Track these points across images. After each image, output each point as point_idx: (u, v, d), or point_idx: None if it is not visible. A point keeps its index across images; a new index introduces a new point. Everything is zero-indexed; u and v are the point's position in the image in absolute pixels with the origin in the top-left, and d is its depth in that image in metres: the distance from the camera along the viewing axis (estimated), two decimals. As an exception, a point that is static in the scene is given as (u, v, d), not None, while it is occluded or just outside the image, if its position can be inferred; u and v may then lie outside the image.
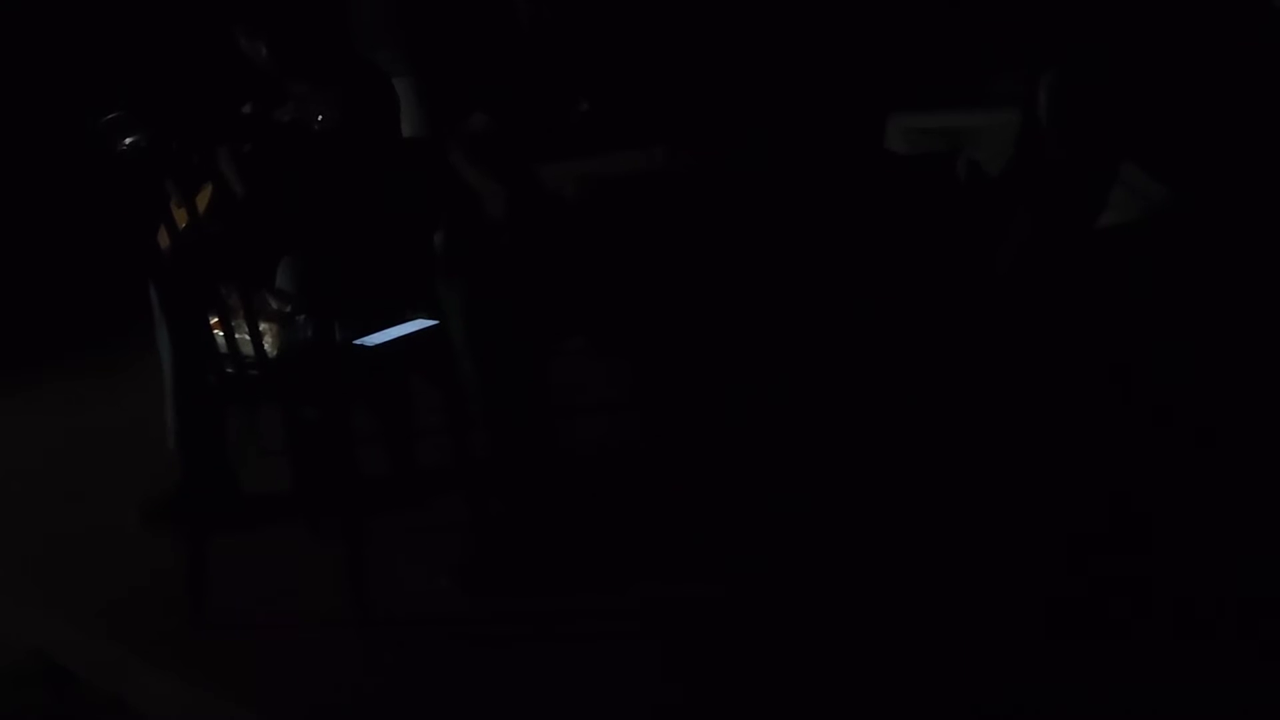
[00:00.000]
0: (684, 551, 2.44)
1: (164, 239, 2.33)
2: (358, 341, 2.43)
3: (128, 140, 2.18)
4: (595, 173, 2.58)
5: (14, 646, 2.57)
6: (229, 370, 2.32)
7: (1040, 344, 2.52)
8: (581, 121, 2.71)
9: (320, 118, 2.62)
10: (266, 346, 2.32)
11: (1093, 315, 2.40)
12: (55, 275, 4.39)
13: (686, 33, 2.98)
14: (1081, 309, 2.41)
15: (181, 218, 2.31)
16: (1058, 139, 2.42)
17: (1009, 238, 2.50)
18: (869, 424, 2.84)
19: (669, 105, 2.71)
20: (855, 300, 3.08)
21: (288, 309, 2.45)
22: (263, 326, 2.33)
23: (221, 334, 2.31)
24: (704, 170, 2.57)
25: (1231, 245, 2.28)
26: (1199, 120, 2.31)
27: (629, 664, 2.08)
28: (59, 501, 3.09)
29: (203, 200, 2.57)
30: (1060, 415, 2.49)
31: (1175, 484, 2.29)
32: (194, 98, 3.15)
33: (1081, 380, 2.48)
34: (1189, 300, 2.31)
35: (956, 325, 2.90)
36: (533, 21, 2.71)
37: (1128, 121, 2.33)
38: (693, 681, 2.02)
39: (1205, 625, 1.98)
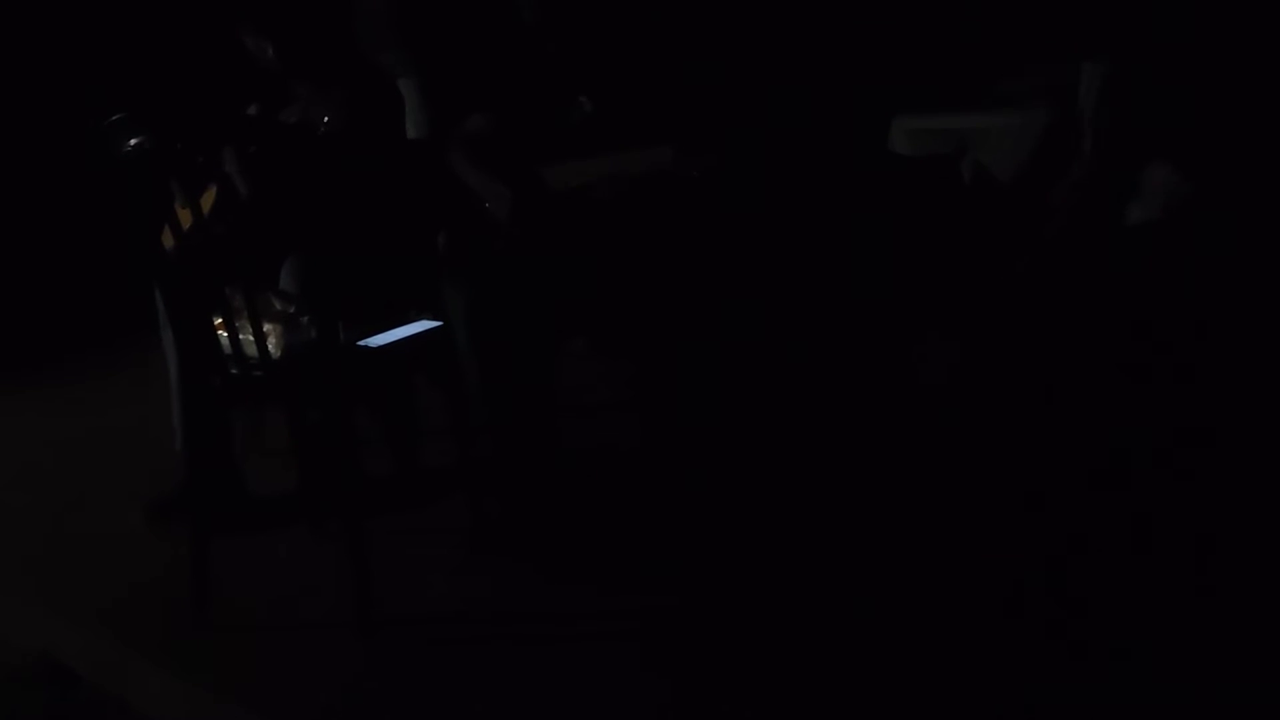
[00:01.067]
0: (683, 552, 2.44)
1: (168, 240, 2.34)
2: (361, 343, 2.43)
3: (132, 142, 2.18)
4: (600, 174, 2.58)
5: (17, 647, 2.57)
6: (233, 371, 2.32)
7: (1060, 341, 2.52)
8: (583, 122, 2.71)
9: (325, 120, 2.63)
10: (270, 348, 2.32)
11: (1116, 310, 2.40)
12: (60, 277, 4.39)
13: (690, 32, 2.98)
14: (1105, 304, 2.40)
15: (186, 219, 2.31)
16: (1105, 134, 2.39)
17: (1037, 235, 2.49)
18: (871, 425, 2.84)
19: (673, 106, 2.71)
20: (859, 302, 3.08)
21: (292, 310, 2.45)
22: (267, 328, 2.33)
23: (226, 335, 2.31)
24: (708, 173, 2.57)
25: (1259, 243, 2.27)
26: (1229, 118, 2.30)
27: (626, 665, 2.08)
28: (63, 502, 3.10)
29: (207, 201, 2.58)
30: (1073, 412, 2.48)
31: (1181, 486, 2.29)
32: (199, 99, 3.16)
33: (1096, 377, 2.47)
34: (1215, 297, 2.30)
35: (961, 324, 2.90)
36: (538, 21, 2.72)
37: (1167, 118, 2.32)
38: (685, 681, 2.03)
39: (1204, 627, 1.98)
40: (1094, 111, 2.46)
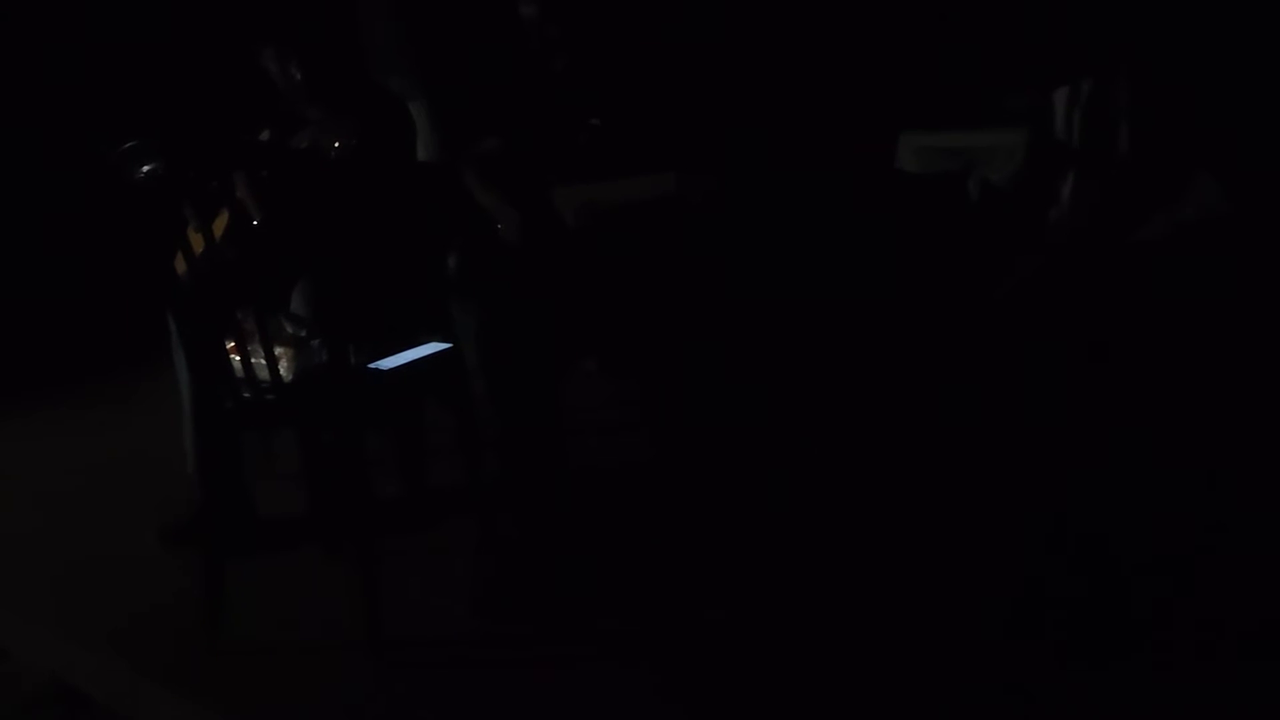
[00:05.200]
0: (692, 572, 2.44)
1: (181, 265, 2.35)
2: (372, 365, 2.44)
3: (145, 169, 2.20)
4: (603, 198, 2.59)
5: (30, 670, 2.59)
6: (245, 395, 2.34)
7: (1052, 354, 2.52)
8: (591, 143, 2.72)
9: (336, 145, 2.64)
10: (282, 371, 2.34)
11: (1117, 325, 2.40)
12: (73, 301, 4.42)
13: (696, 54, 3.00)
14: (1110, 320, 2.40)
15: (198, 243, 2.33)
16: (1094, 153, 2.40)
17: (1023, 258, 2.50)
18: (877, 444, 2.85)
19: (678, 127, 2.73)
20: (867, 319, 3.08)
21: (303, 334, 2.46)
22: (278, 351, 2.35)
23: (238, 359, 2.33)
24: (713, 194, 2.58)
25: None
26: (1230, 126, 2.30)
27: (637, 690, 2.08)
28: (76, 525, 3.11)
29: (219, 226, 2.60)
30: (1068, 427, 2.49)
31: (1178, 498, 2.30)
32: (211, 125, 3.19)
33: (1092, 389, 2.48)
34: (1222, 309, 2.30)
35: (965, 341, 2.90)
36: (541, 43, 2.73)
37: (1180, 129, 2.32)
38: (698, 707, 2.03)
39: (1208, 639, 1.99)
40: (1080, 130, 2.47)
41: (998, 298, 2.32)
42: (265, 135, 2.83)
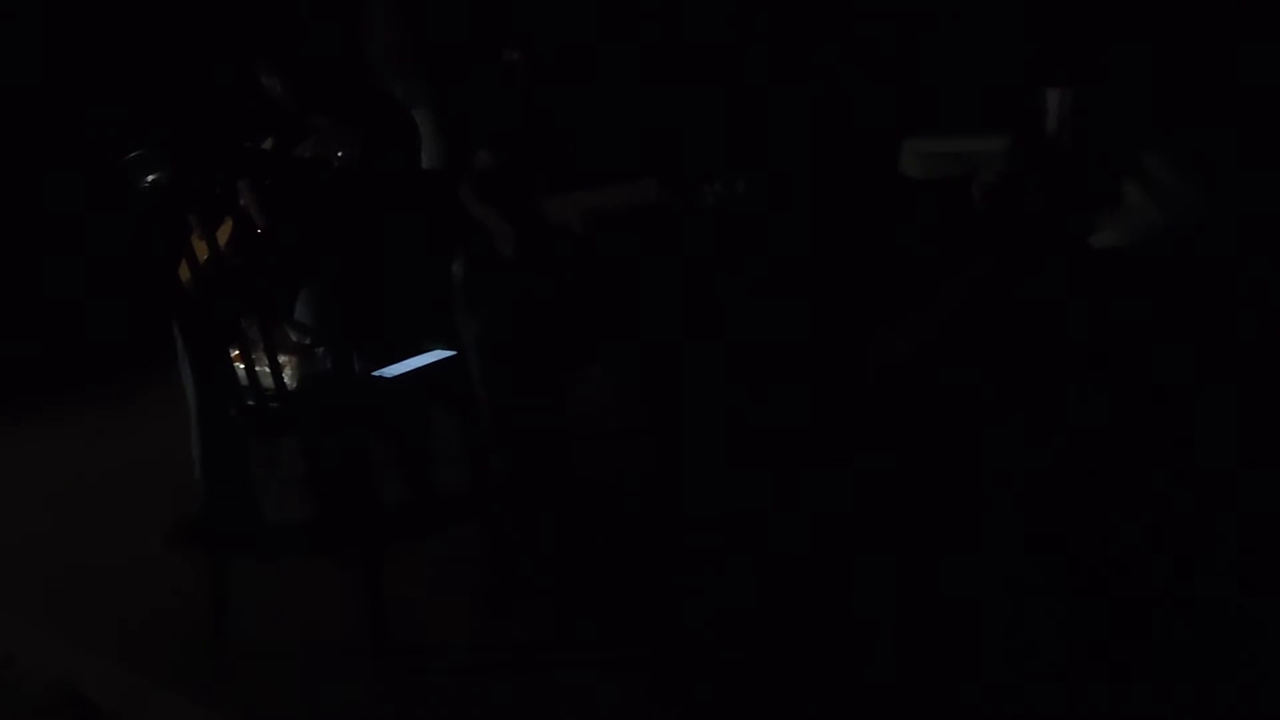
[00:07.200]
0: (691, 576, 2.45)
1: (185, 273, 2.37)
2: (376, 373, 2.45)
3: (150, 178, 2.22)
4: (593, 206, 2.60)
5: (36, 676, 2.60)
6: (250, 402, 2.35)
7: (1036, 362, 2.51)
8: (578, 155, 2.74)
9: (340, 154, 2.65)
10: (286, 379, 2.35)
11: (1090, 332, 2.40)
12: (79, 307, 4.44)
13: (700, 61, 3.01)
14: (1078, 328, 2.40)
15: (202, 251, 2.34)
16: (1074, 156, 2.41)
17: (974, 262, 2.50)
18: (876, 447, 2.85)
19: (663, 139, 2.73)
20: (869, 322, 3.08)
21: (307, 341, 2.48)
22: (282, 359, 2.36)
23: (242, 366, 2.34)
24: (690, 201, 2.58)
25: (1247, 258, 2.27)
26: (1213, 129, 2.30)
27: (633, 694, 2.09)
28: (81, 530, 3.12)
29: (224, 234, 2.61)
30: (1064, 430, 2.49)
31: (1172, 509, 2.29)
32: (216, 134, 3.20)
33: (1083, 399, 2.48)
34: (1199, 317, 2.30)
35: (968, 349, 2.90)
36: (526, 65, 2.75)
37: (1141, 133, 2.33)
38: (692, 711, 2.04)
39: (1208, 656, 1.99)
40: (1062, 132, 2.48)
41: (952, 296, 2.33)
42: (269, 143, 2.84)
